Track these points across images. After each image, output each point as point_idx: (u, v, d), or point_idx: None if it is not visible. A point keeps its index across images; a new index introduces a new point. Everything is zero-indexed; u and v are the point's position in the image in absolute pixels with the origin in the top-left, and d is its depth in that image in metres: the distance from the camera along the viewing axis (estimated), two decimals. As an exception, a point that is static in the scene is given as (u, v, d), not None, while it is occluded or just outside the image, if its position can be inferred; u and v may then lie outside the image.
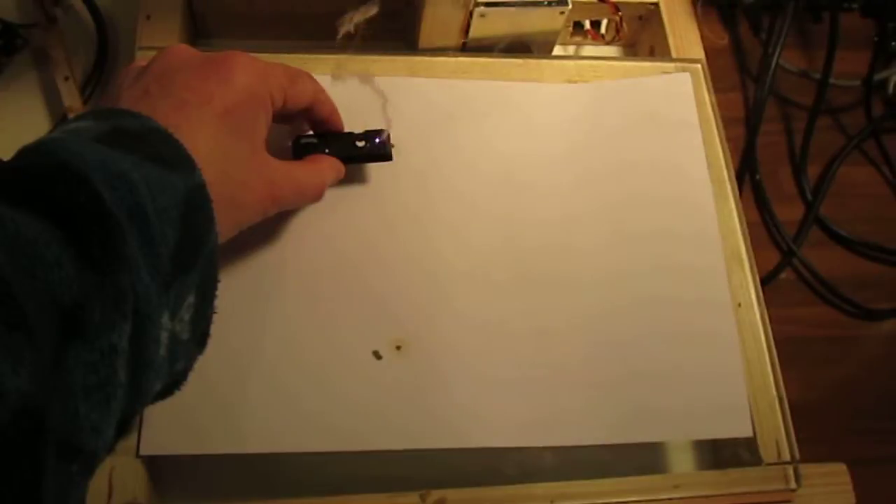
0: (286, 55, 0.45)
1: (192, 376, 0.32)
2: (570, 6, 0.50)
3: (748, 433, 0.43)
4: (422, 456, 0.41)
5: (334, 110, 0.42)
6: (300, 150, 0.42)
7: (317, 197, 0.40)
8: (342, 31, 0.44)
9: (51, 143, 0.26)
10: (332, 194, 0.42)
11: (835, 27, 0.58)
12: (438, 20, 0.49)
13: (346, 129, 0.43)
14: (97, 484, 0.38)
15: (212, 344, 0.32)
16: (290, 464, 0.42)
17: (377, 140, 0.43)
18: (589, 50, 0.59)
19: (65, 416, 0.23)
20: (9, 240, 0.22)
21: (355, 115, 0.43)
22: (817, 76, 0.60)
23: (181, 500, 0.43)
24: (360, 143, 0.43)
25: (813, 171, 0.61)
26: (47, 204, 0.24)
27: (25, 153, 0.26)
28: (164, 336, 0.27)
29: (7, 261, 0.22)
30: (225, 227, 0.32)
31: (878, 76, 0.63)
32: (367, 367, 0.41)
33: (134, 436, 0.38)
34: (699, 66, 0.53)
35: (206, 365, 0.32)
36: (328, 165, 0.41)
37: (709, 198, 0.48)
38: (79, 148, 0.26)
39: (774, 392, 0.44)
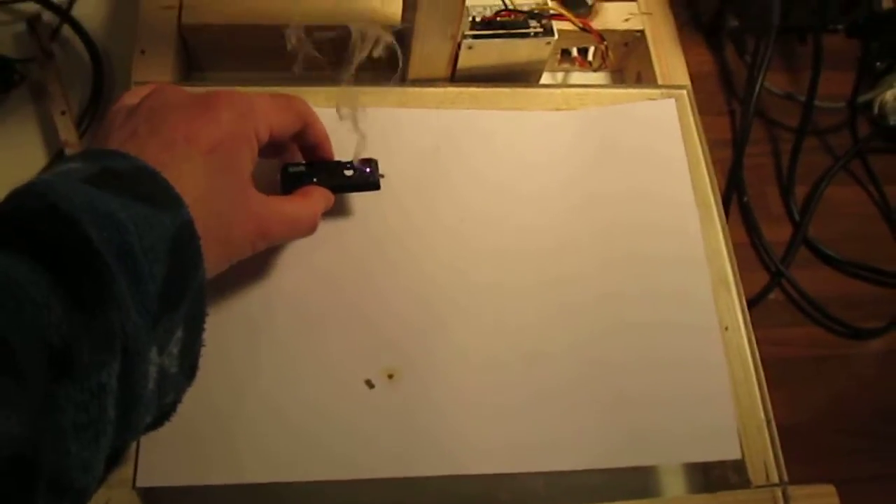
0: (278, 87, 0.46)
1: (187, 408, 0.32)
2: (557, 37, 0.51)
3: (736, 455, 0.43)
4: (416, 483, 0.41)
5: (325, 136, 0.42)
6: (288, 179, 0.42)
7: (310, 230, 0.40)
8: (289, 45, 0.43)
9: (39, 185, 0.26)
10: (321, 224, 0.42)
11: (819, 48, 0.59)
12: (427, 52, 0.50)
13: (336, 159, 0.43)
14: (92, 516, 0.38)
15: (206, 375, 0.32)
16: (287, 492, 0.43)
17: (366, 169, 0.44)
18: (577, 76, 0.60)
19: (56, 455, 0.23)
20: None
21: (345, 145, 0.44)
22: (803, 98, 0.61)
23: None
24: (349, 173, 0.43)
25: (800, 192, 0.61)
26: (36, 245, 0.25)
27: (14, 196, 0.27)
28: (153, 371, 0.28)
29: None
30: (213, 262, 0.32)
31: (863, 97, 0.64)
32: (360, 395, 0.42)
33: (130, 467, 0.39)
34: (684, 91, 0.53)
35: (201, 396, 0.33)
36: (319, 197, 0.41)
37: (695, 222, 0.49)
38: (67, 189, 0.26)
39: (762, 414, 0.44)
